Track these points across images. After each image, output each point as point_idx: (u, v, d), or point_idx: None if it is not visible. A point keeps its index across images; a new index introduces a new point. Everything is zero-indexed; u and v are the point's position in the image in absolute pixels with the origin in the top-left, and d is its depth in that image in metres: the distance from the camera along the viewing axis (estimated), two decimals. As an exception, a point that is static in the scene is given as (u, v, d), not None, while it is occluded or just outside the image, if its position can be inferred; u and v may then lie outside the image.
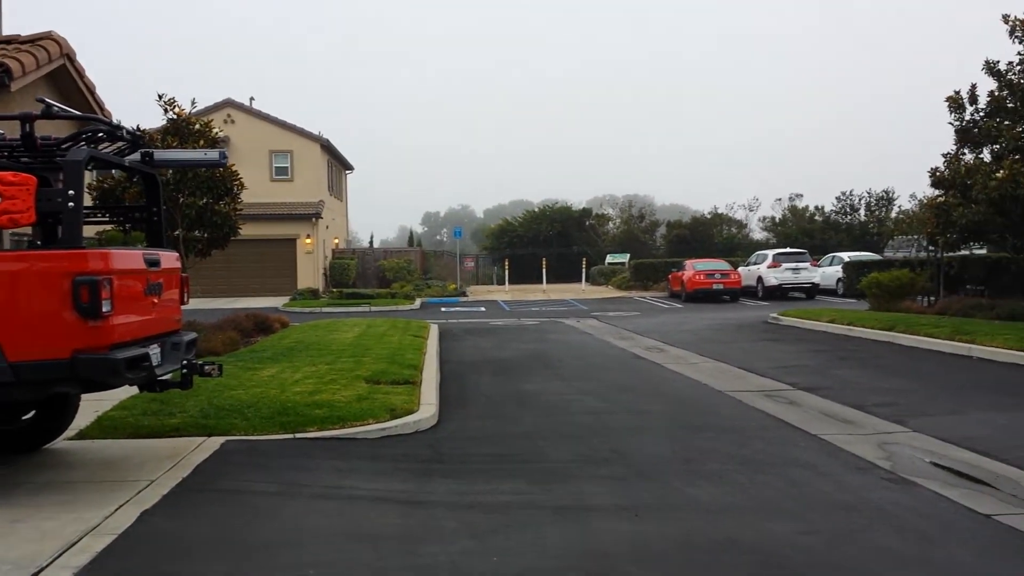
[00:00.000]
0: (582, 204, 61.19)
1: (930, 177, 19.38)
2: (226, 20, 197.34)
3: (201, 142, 15.89)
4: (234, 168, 16.48)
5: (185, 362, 7.37)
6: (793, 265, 31.89)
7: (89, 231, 14.71)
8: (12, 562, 5.05)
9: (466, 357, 15.47)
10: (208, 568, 5.10)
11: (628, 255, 47.58)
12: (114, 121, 7.89)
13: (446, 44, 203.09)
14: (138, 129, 14.02)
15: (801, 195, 54.10)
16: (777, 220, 53.44)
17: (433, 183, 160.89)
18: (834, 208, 51.35)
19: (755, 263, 33.85)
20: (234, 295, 35.00)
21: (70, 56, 12.84)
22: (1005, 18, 18.54)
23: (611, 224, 57.61)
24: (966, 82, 20.20)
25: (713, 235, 50.72)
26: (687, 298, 31.76)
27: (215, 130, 16.92)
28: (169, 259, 7.65)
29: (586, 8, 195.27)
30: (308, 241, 37.19)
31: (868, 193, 50.49)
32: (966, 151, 19.20)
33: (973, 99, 18.95)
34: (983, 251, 24.76)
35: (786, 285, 31.70)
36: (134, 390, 8.53)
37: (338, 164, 45.15)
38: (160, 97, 16.29)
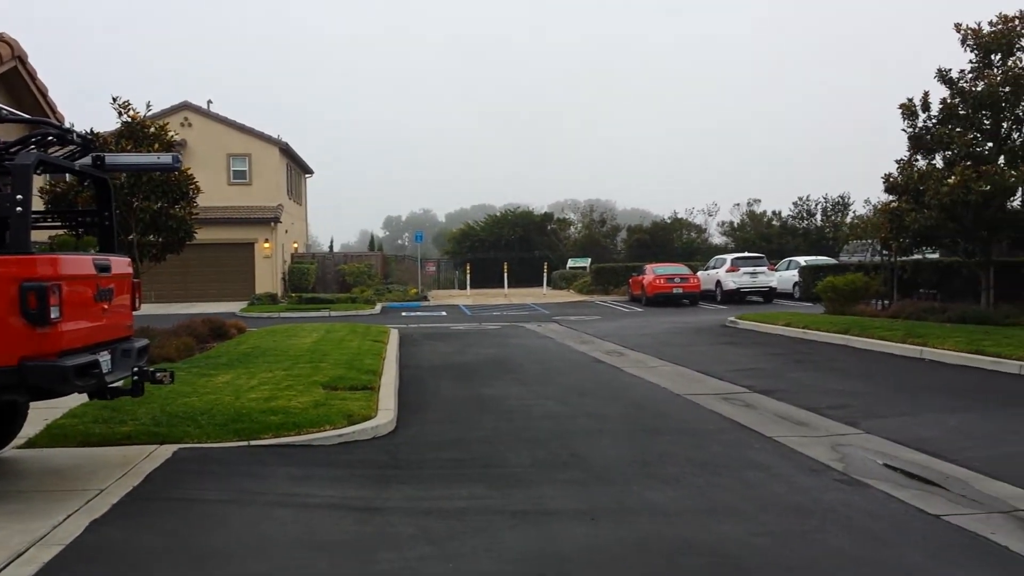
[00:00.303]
0: (544, 208, 61.49)
1: (884, 183, 19.72)
2: (184, 22, 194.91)
3: (156, 146, 15.65)
4: (189, 172, 16.25)
5: (136, 369, 7.24)
6: (751, 269, 32.27)
7: (41, 236, 14.49)
8: (-47, 575, 4.92)
9: (426, 362, 15.41)
10: (158, 579, 5.01)
11: (589, 259, 47.82)
12: (66, 124, 7.74)
13: (408, 48, 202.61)
14: (91, 133, 13.79)
15: (759, 200, 54.91)
16: (735, 225, 54.13)
17: (395, 187, 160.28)
18: (791, 213, 52.19)
19: (714, 267, 34.20)
20: (191, 300, 34.52)
21: (22, 58, 12.58)
22: (957, 27, 18.98)
23: (573, 229, 57.88)
24: (919, 89, 20.61)
25: (673, 240, 51.18)
26: (647, 302, 31.98)
27: (171, 133, 16.67)
28: (120, 264, 7.52)
29: (548, 14, 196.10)
30: (267, 245, 36.80)
31: (824, 198, 51.43)
32: (919, 157, 19.59)
33: (926, 106, 19.35)
34: (935, 255, 25.25)
35: (744, 289, 32.07)
36: (84, 397, 8.37)
37: (297, 168, 44.76)
38: (114, 100, 16.03)
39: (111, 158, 7.70)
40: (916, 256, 23.90)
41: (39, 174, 8.82)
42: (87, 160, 7.46)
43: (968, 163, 17.85)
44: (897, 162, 19.74)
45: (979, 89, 18.30)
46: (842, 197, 50.78)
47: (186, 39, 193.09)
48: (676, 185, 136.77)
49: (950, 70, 19.08)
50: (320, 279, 40.27)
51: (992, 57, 18.65)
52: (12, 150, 6.73)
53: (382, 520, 6.05)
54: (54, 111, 17.05)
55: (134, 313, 7.92)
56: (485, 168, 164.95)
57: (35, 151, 6.72)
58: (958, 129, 18.55)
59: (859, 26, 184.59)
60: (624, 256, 50.47)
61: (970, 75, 18.79)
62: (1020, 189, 18.11)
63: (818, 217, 51.42)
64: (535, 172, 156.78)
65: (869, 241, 27.43)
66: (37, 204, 7.25)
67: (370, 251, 52.70)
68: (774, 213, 53.13)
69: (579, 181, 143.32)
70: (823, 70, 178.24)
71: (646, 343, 18.00)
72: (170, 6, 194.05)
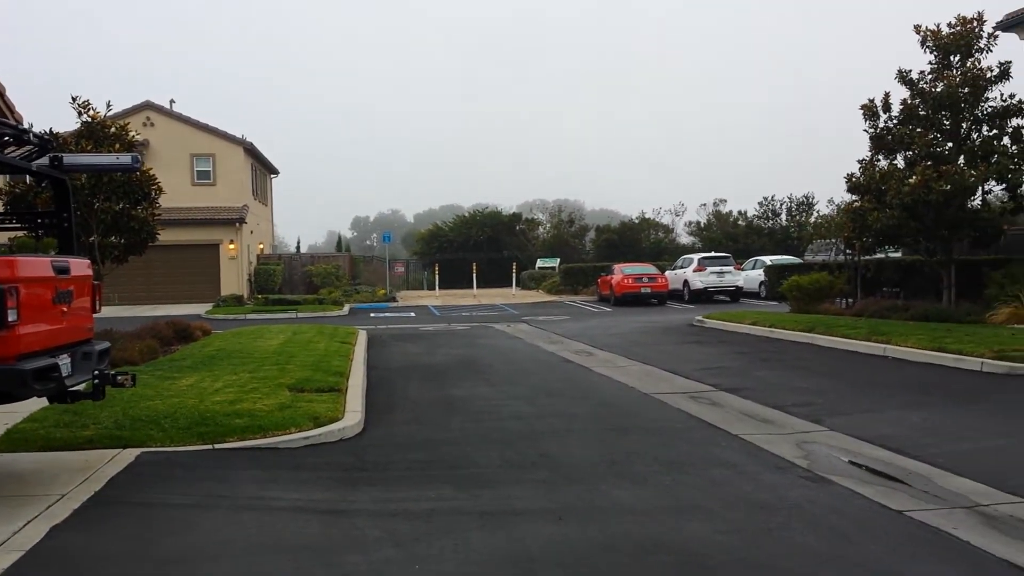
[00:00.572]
0: (513, 209, 61.48)
1: (846, 183, 19.98)
2: (144, 22, 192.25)
3: (117, 146, 15.42)
4: (151, 172, 16.04)
5: (97, 372, 7.12)
6: (718, 269, 32.53)
7: (1, 237, 14.20)
8: (-94, 585, 4.79)
9: (394, 363, 15.33)
10: (119, 585, 4.93)
11: (558, 260, 47.89)
12: (23, 124, 7.59)
13: (375, 48, 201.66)
14: (50, 133, 13.55)
15: (725, 200, 55.32)
16: (702, 225, 54.51)
17: (363, 188, 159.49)
18: (757, 213, 52.67)
19: (681, 267, 34.43)
20: (155, 303, 34.09)
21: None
22: (917, 28, 19.28)
23: (541, 229, 57.91)
24: (881, 90, 20.92)
25: (641, 240, 51.41)
26: (616, 302, 32.11)
27: (132, 133, 16.43)
28: (80, 266, 7.39)
29: (518, 15, 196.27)
30: (232, 247, 36.41)
31: (789, 198, 51.95)
32: (880, 157, 19.86)
33: (887, 107, 19.62)
34: (898, 254, 25.63)
35: (711, 288, 32.32)
36: (44, 401, 8.22)
37: (262, 168, 44.35)
38: (74, 100, 15.77)
39: (69, 158, 7.56)
40: (879, 255, 24.24)
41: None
42: (45, 161, 7.33)
43: (929, 163, 18.13)
44: (859, 162, 20.02)
45: (939, 90, 18.60)
46: (806, 197, 51.39)
47: (148, 39, 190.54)
48: (644, 185, 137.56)
49: (910, 71, 19.39)
50: (287, 280, 39.93)
51: (951, 58, 18.98)
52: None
53: (348, 523, 6.00)
54: (12, 111, 16.73)
55: (96, 316, 7.79)
56: (453, 169, 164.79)
57: (-10, 151, 6.58)
58: (918, 129, 18.84)
59: (822, 28, 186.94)
60: (593, 256, 50.62)
61: (930, 76, 19.09)
62: (980, 189, 18.43)
63: (783, 217, 51.97)
64: (504, 173, 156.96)
65: (833, 240, 27.74)
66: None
67: (338, 252, 52.32)
68: (740, 213, 53.63)
69: (547, 182, 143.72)
70: (788, 70, 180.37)
71: (615, 343, 18.06)
72: (128, 4, 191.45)
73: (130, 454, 7.80)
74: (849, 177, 19.90)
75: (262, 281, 37.91)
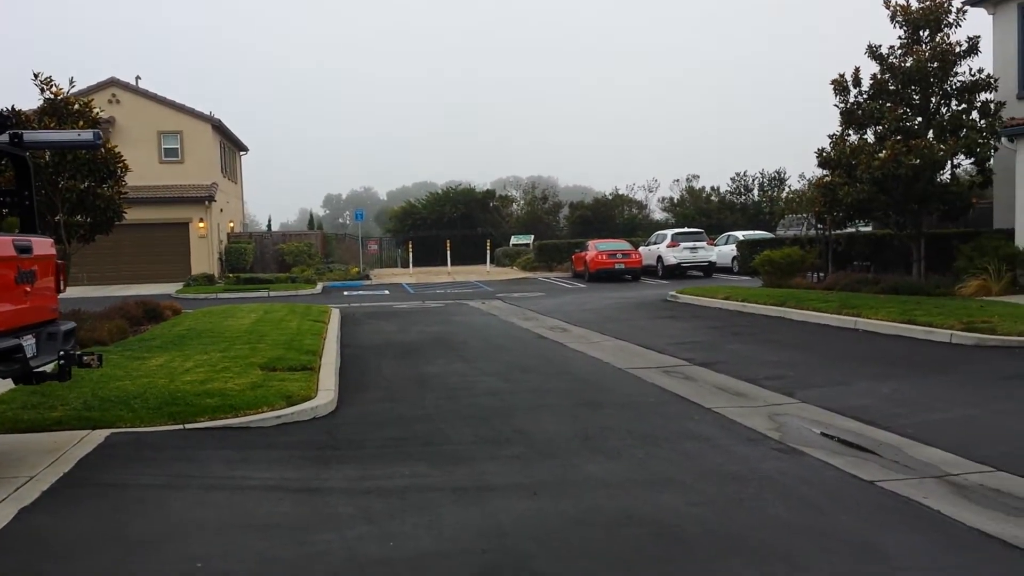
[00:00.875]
0: (486, 186, 61.21)
1: (817, 157, 20.05)
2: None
3: (81, 123, 15.08)
4: (117, 149, 15.72)
5: (62, 352, 6.99)
6: (691, 244, 32.66)
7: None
8: None
9: (368, 341, 15.25)
10: (89, 565, 4.87)
11: (532, 236, 47.88)
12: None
13: (347, 27, 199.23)
14: (12, 109, 13.22)
15: (698, 176, 55.65)
16: (675, 201, 54.71)
17: (335, 165, 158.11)
18: (729, 188, 52.96)
19: (655, 243, 34.52)
20: (124, 282, 33.64)
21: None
22: (887, 2, 19.32)
23: (515, 206, 57.85)
24: (852, 65, 20.99)
25: (615, 216, 51.52)
26: (590, 278, 32.15)
27: (96, 110, 16.07)
28: (43, 245, 7.23)
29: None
30: (201, 225, 35.98)
31: (761, 174, 52.26)
32: (851, 132, 19.95)
33: (857, 82, 19.68)
34: (868, 228, 25.84)
35: (685, 264, 32.46)
36: (11, 383, 8.06)
37: (231, 145, 43.77)
38: (36, 76, 15.38)
39: (29, 135, 7.38)
40: (849, 229, 24.42)
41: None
42: (4, 138, 7.14)
43: (898, 137, 18.24)
44: (830, 137, 20.10)
45: (908, 65, 18.68)
46: (778, 172, 51.74)
47: (114, 15, 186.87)
48: (617, 162, 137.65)
49: (880, 46, 19.46)
50: (258, 259, 39.56)
51: (921, 33, 19.06)
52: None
53: (321, 501, 5.96)
54: (-28, 87, 16.27)
55: (64, 296, 7.66)
56: (426, 146, 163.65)
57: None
58: (888, 104, 18.93)
59: (792, 3, 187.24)
60: (567, 233, 50.65)
61: (899, 51, 19.17)
62: (948, 163, 18.59)
63: (755, 192, 52.27)
64: (477, 150, 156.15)
65: (804, 215, 27.92)
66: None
67: (310, 230, 51.91)
68: (713, 189, 53.86)
69: (521, 158, 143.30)
70: (757, 47, 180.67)
71: (589, 319, 18.09)
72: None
73: (99, 435, 7.70)
74: (820, 152, 19.98)
75: (233, 260, 37.52)
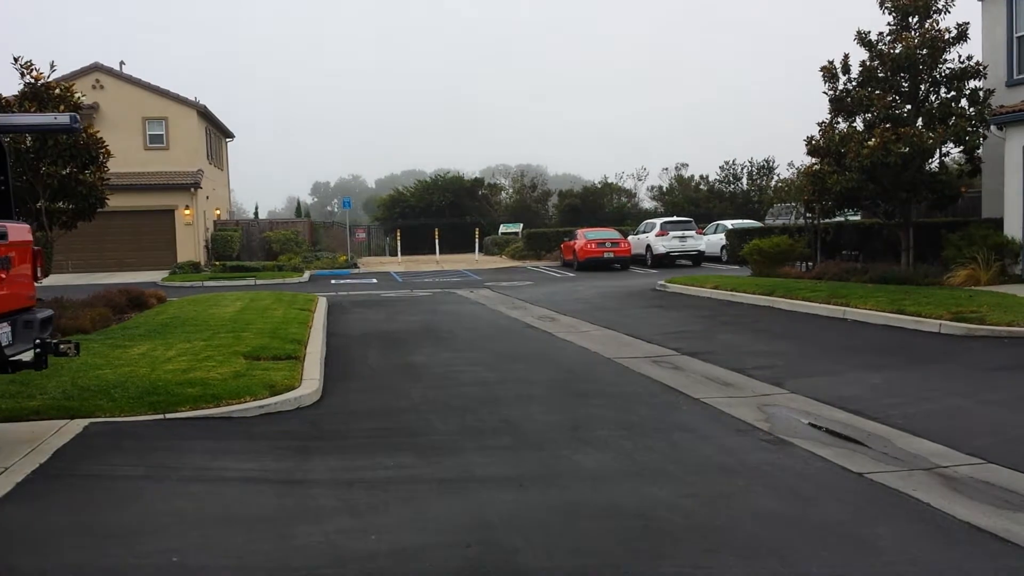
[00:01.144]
0: (475, 174, 60.97)
1: (806, 146, 19.95)
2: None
3: (62, 108, 14.84)
4: (99, 135, 15.49)
5: (39, 341, 6.84)
6: (680, 233, 32.60)
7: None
8: None
9: (354, 330, 15.11)
10: (61, 559, 4.74)
11: (521, 225, 47.74)
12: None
13: (337, 12, 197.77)
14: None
15: (687, 165, 55.58)
16: (664, 189, 54.65)
17: (324, 153, 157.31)
18: (718, 177, 52.92)
19: (644, 232, 34.44)
20: (110, 270, 33.33)
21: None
22: (876, -12, 19.18)
23: (504, 194, 57.68)
24: (840, 52, 20.89)
25: (604, 204, 51.43)
26: (579, 267, 32.06)
27: (78, 95, 15.81)
28: (18, 232, 7.07)
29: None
30: (187, 212, 35.64)
31: (750, 162, 52.24)
32: (840, 120, 19.84)
33: (846, 69, 19.57)
34: (857, 217, 25.80)
35: (673, 253, 32.39)
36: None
37: (217, 132, 43.35)
38: (16, 60, 15.12)
39: (3, 118, 7.25)
40: (838, 218, 24.37)
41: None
42: (-22, 121, 6.97)
43: (887, 125, 18.15)
44: (819, 125, 19.97)
45: (897, 51, 18.58)
46: (767, 161, 51.71)
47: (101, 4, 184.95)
48: (606, 150, 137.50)
49: (869, 32, 19.34)
50: (245, 247, 39.27)
51: (910, 19, 18.94)
52: None
53: (303, 493, 5.84)
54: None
55: (48, 284, 7.51)
56: (415, 133, 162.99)
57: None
58: (877, 91, 18.82)
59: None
60: (556, 221, 50.52)
61: (888, 38, 19.06)
62: (937, 151, 18.53)
63: (744, 181, 52.26)
64: (466, 137, 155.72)
65: (793, 204, 27.86)
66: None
67: (297, 218, 51.59)
68: (702, 177, 53.83)
69: (510, 146, 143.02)
70: (749, 34, 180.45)
71: (578, 308, 18.00)
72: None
73: (78, 425, 7.56)
74: (809, 140, 19.87)
75: (219, 247, 37.24)
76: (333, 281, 29.59)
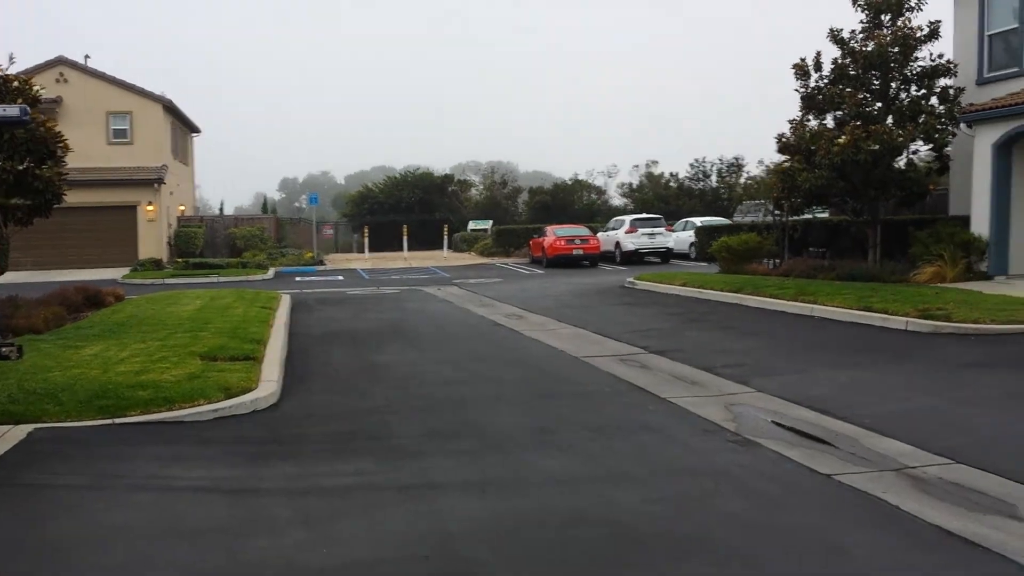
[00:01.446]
0: (445, 170, 60.58)
1: (777, 143, 19.96)
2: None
3: (20, 101, 14.35)
4: (57, 128, 15.00)
5: (-25, 344, 6.52)
6: (649, 230, 32.54)
7: None
8: None
9: (318, 329, 14.82)
10: (-8, 579, 4.47)
11: (491, 221, 47.45)
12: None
13: (302, 5, 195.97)
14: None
15: (657, 162, 55.52)
16: (634, 186, 54.66)
17: (292, 149, 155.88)
18: (688, 175, 52.98)
19: (613, 229, 34.36)
20: (70, 267, 32.58)
21: None
22: (849, -14, 19.21)
23: (474, 190, 57.37)
24: (813, 50, 20.89)
25: (574, 201, 51.30)
26: (548, 264, 31.91)
27: (36, 88, 15.30)
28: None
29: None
30: (150, 208, 34.97)
31: (720, 160, 52.35)
32: (811, 117, 19.88)
33: (818, 66, 19.60)
34: (825, 215, 25.89)
35: (643, 250, 32.34)
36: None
37: (183, 126, 42.61)
38: (-30, 53, 14.60)
39: (-57, 109, 6.86)
40: (806, 216, 24.43)
41: None
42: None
43: (858, 123, 18.18)
44: (790, 122, 20.01)
45: (869, 49, 18.63)
46: (736, 159, 51.89)
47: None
48: (577, 147, 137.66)
49: (841, 30, 19.39)
50: (209, 243, 38.62)
51: (882, 17, 19.01)
52: None
53: (256, 503, 5.60)
54: None
55: (2, 281, 7.16)
56: (385, 130, 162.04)
57: None
58: (848, 89, 18.87)
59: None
60: (526, 218, 50.32)
61: (860, 35, 19.12)
62: (907, 149, 18.60)
63: (713, 178, 52.38)
64: (436, 134, 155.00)
65: (762, 201, 27.95)
66: None
67: (263, 213, 50.88)
68: (671, 175, 53.87)
69: (482, 143, 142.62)
70: (720, 30, 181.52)
71: (546, 305, 17.83)
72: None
73: (22, 431, 7.24)
74: (780, 137, 19.88)
75: (183, 244, 36.59)
76: (298, 278, 29.19)
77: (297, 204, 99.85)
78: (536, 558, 4.64)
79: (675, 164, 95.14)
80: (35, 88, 15.18)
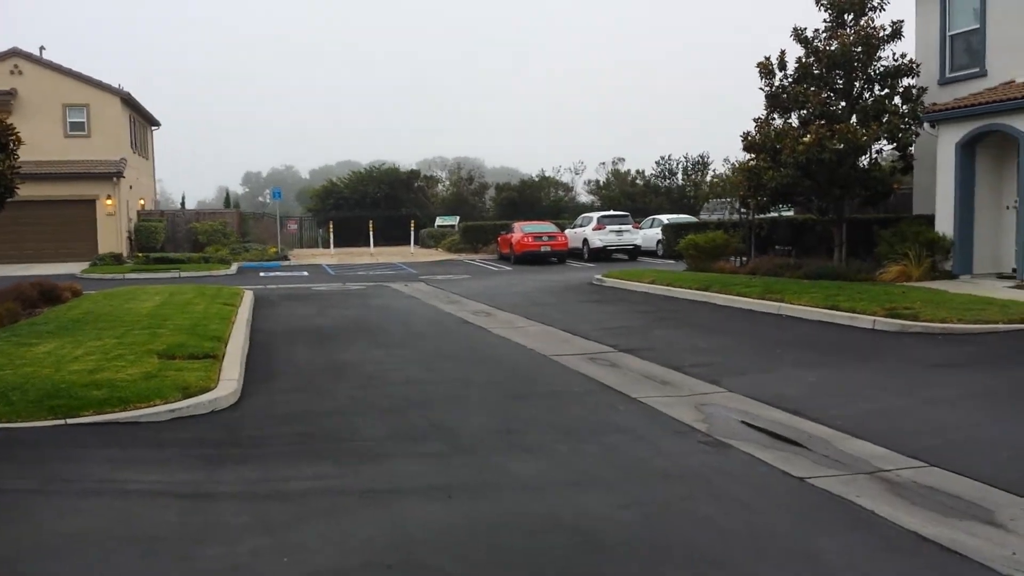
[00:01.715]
0: (412, 166, 60.05)
1: (742, 141, 19.95)
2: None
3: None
4: (9, 121, 14.55)
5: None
6: (617, 228, 32.53)
7: None
8: None
9: (281, 326, 14.52)
10: (-73, 595, 4.21)
11: (458, 218, 47.18)
12: None
13: (265, 1, 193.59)
14: None
15: (623, 159, 55.49)
16: (601, 183, 54.63)
17: (256, 143, 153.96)
18: (654, 172, 53.05)
19: (581, 226, 34.30)
20: (27, 262, 31.79)
21: None
22: (812, -14, 19.25)
23: (441, 186, 57.00)
24: (778, 47, 20.93)
25: (541, 198, 51.15)
26: (516, 260, 31.77)
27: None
28: None
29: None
30: (109, 202, 34.24)
31: (685, 158, 52.46)
32: (776, 116, 19.91)
33: (782, 65, 19.63)
34: (790, 213, 26.02)
35: (610, 247, 32.32)
36: None
37: (142, 119, 41.77)
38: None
39: None
40: (772, 214, 24.53)
41: None
42: None
43: (823, 122, 18.24)
44: (755, 121, 20.01)
45: (833, 48, 18.69)
46: (702, 156, 51.98)
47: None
48: (543, 144, 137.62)
49: (805, 29, 19.43)
50: (171, 238, 37.93)
51: (845, 17, 19.08)
52: None
53: (212, 508, 5.37)
54: None
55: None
56: (351, 124, 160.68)
57: None
58: (812, 88, 18.92)
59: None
60: (493, 214, 50.08)
61: (824, 34, 19.17)
62: (871, 148, 18.70)
63: (679, 176, 52.52)
64: (403, 130, 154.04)
65: (728, 199, 27.98)
66: None
67: (226, 208, 50.13)
68: (638, 172, 53.90)
69: (448, 140, 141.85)
70: (686, 28, 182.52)
71: (514, 303, 17.67)
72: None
73: (-33, 433, 6.92)
74: (745, 136, 19.88)
75: (143, 239, 35.89)
76: (262, 274, 28.74)
77: (261, 199, 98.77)
78: (503, 567, 4.48)
79: (641, 162, 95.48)
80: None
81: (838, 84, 18.98)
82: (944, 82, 19.34)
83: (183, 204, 53.99)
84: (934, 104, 18.26)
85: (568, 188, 54.72)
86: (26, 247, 33.02)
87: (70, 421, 7.28)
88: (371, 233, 40.94)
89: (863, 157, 18.61)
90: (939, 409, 7.78)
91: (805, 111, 19.18)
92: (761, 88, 19.98)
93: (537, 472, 6.10)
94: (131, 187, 36.90)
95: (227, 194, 62.10)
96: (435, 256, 37.85)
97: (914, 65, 18.86)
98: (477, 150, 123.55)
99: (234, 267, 30.28)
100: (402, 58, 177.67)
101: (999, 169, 17.46)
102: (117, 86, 36.61)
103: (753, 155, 19.93)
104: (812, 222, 21.68)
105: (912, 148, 19.09)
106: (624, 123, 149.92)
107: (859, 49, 18.41)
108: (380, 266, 32.01)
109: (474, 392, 8.96)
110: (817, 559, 4.51)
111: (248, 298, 17.67)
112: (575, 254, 32.99)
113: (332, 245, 40.66)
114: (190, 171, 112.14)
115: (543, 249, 31.55)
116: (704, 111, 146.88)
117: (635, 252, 32.58)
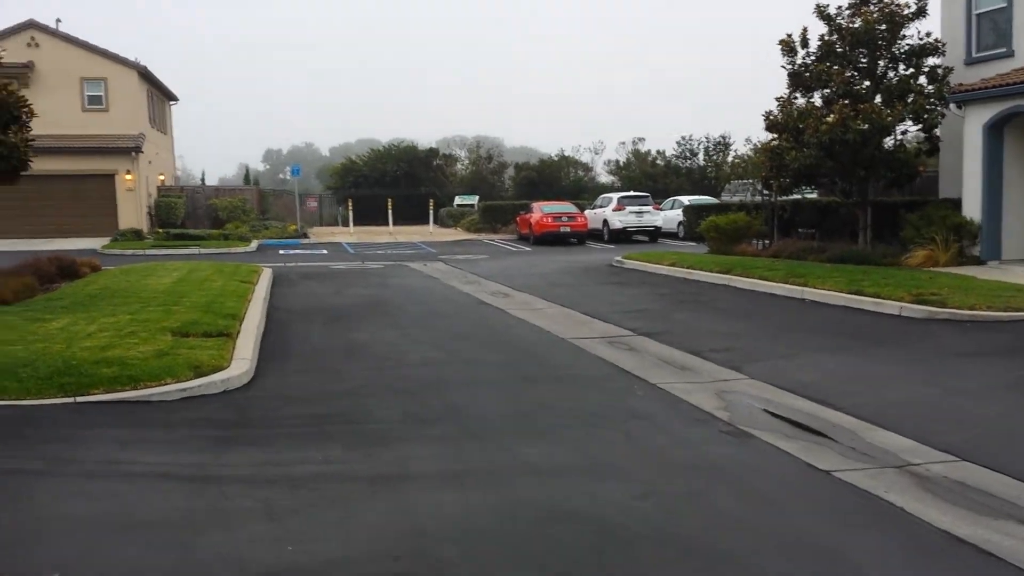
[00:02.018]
0: (431, 144, 59.76)
1: (764, 120, 19.58)
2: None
3: (-16, 66, 13.80)
4: (21, 93, 14.44)
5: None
6: (637, 208, 32.18)
7: None
8: None
9: (298, 304, 14.41)
10: (-78, 578, 4.10)
11: (477, 197, 46.93)
12: None
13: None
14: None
15: (644, 139, 55.06)
16: (621, 164, 54.16)
17: (276, 120, 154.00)
18: (675, 153, 52.50)
19: (601, 206, 33.97)
20: (48, 236, 31.84)
21: None
22: (836, -39, 18.79)
23: (459, 165, 56.73)
24: (800, 25, 20.50)
25: (561, 178, 50.82)
26: (535, 241, 31.52)
27: (0, 52, 14.72)
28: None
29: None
30: (128, 177, 34.23)
31: (706, 138, 51.86)
32: (798, 95, 19.50)
33: (805, 43, 19.20)
34: (814, 195, 25.60)
35: (630, 228, 31.99)
36: None
37: (160, 94, 41.67)
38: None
39: None
40: (795, 196, 24.14)
41: None
42: None
43: (846, 101, 17.84)
44: (777, 100, 19.63)
45: (856, 26, 18.24)
46: (723, 137, 51.36)
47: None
48: (564, 123, 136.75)
49: (828, 5, 18.99)
50: (191, 214, 37.92)
51: (869, -7, 18.63)
52: None
53: (217, 492, 5.23)
54: None
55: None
56: (371, 102, 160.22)
57: None
58: (835, 67, 18.49)
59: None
60: (512, 194, 49.81)
61: (848, 12, 18.73)
62: (896, 128, 18.28)
63: (700, 157, 51.95)
64: (422, 107, 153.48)
65: (750, 181, 27.56)
66: None
67: (246, 185, 50.14)
68: (658, 152, 53.37)
69: (467, 118, 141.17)
70: (708, 6, 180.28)
71: (533, 283, 17.47)
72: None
73: (-24, 410, 6.84)
74: (767, 115, 19.50)
75: (163, 214, 35.91)
76: (281, 251, 28.67)
77: (281, 176, 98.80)
78: (514, 560, 4.31)
79: (662, 142, 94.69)
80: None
81: (862, 63, 18.56)
82: (970, 62, 18.85)
83: (203, 180, 54.08)
84: (960, 84, 17.78)
85: (588, 168, 54.35)
86: (47, 222, 33.08)
87: (79, 399, 7.18)
88: (390, 211, 40.77)
89: (888, 138, 18.21)
90: (968, 400, 7.53)
91: (828, 90, 18.77)
92: (783, 66, 19.59)
93: (552, 459, 5.93)
94: (150, 162, 36.89)
95: (247, 171, 62.16)
96: (454, 235, 37.65)
97: (939, 44, 18.39)
98: (496, 129, 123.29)
99: (254, 244, 30.23)
100: (422, 35, 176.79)
101: (1030, 152, 17.01)
102: (134, 60, 36.52)
103: (775, 135, 19.57)
104: (836, 204, 21.30)
105: (938, 129, 18.63)
106: (645, 102, 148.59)
107: (883, 27, 17.98)
108: (399, 245, 31.87)
109: (489, 374, 8.80)
110: (845, 559, 4.32)
111: (266, 276, 17.58)
112: (595, 235, 32.70)
113: (351, 223, 40.53)
114: (211, 148, 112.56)
115: (563, 230, 31.28)
116: (726, 89, 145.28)
117: (655, 234, 32.24)
